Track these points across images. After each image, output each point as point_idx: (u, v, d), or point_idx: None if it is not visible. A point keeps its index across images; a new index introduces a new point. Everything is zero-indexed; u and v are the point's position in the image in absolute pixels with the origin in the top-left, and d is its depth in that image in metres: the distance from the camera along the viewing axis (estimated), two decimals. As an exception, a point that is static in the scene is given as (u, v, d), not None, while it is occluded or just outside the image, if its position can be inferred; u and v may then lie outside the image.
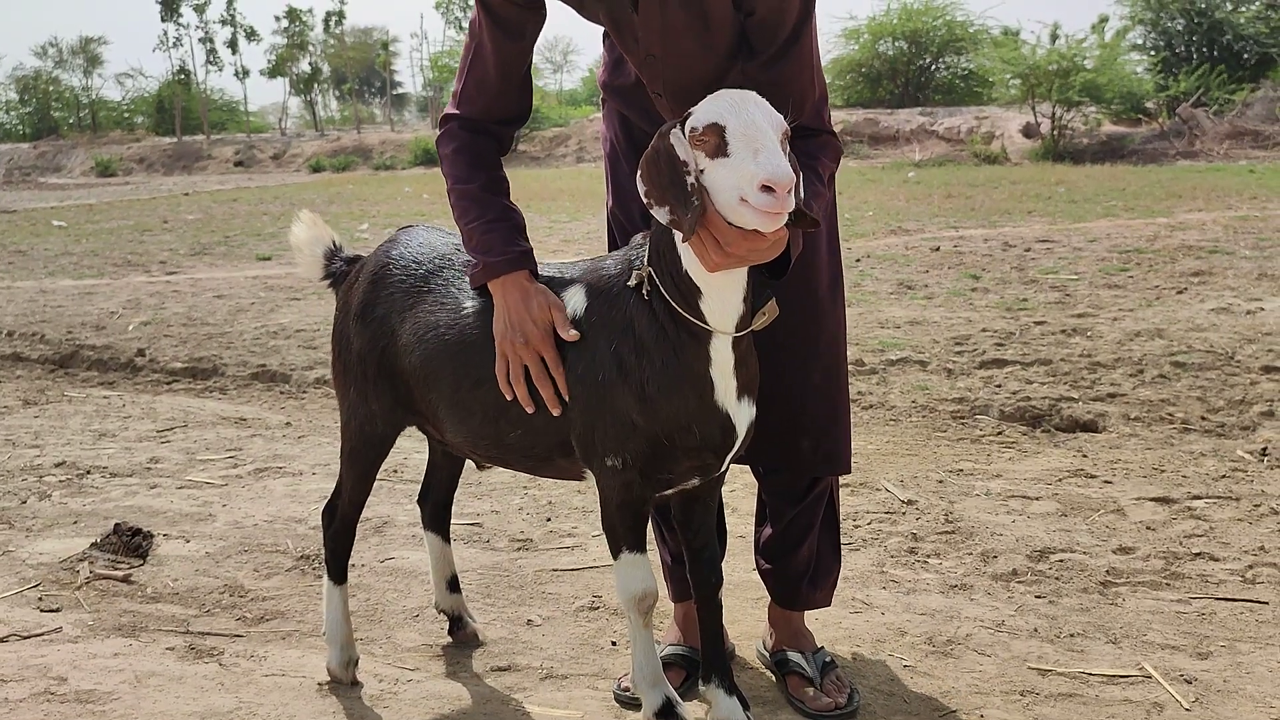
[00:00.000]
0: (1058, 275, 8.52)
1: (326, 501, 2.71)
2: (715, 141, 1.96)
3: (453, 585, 2.87)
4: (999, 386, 5.39)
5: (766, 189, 1.87)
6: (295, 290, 9.63)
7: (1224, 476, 3.83)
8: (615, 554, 2.27)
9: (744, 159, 1.92)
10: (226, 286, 9.88)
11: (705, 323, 2.10)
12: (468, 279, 2.36)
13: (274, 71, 52.97)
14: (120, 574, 3.36)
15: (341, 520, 2.66)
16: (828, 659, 2.56)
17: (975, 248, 10.08)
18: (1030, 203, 14.38)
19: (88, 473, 4.43)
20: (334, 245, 2.71)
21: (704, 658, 2.36)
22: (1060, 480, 3.88)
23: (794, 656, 2.55)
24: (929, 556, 3.30)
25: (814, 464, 2.53)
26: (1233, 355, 5.70)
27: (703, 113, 2.01)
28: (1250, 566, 3.10)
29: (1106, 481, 3.83)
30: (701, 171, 2.01)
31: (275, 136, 43.76)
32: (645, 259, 2.18)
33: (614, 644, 2.83)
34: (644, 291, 2.15)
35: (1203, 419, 4.78)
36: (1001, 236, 10.94)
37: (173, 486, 4.22)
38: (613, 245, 2.67)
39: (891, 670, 2.64)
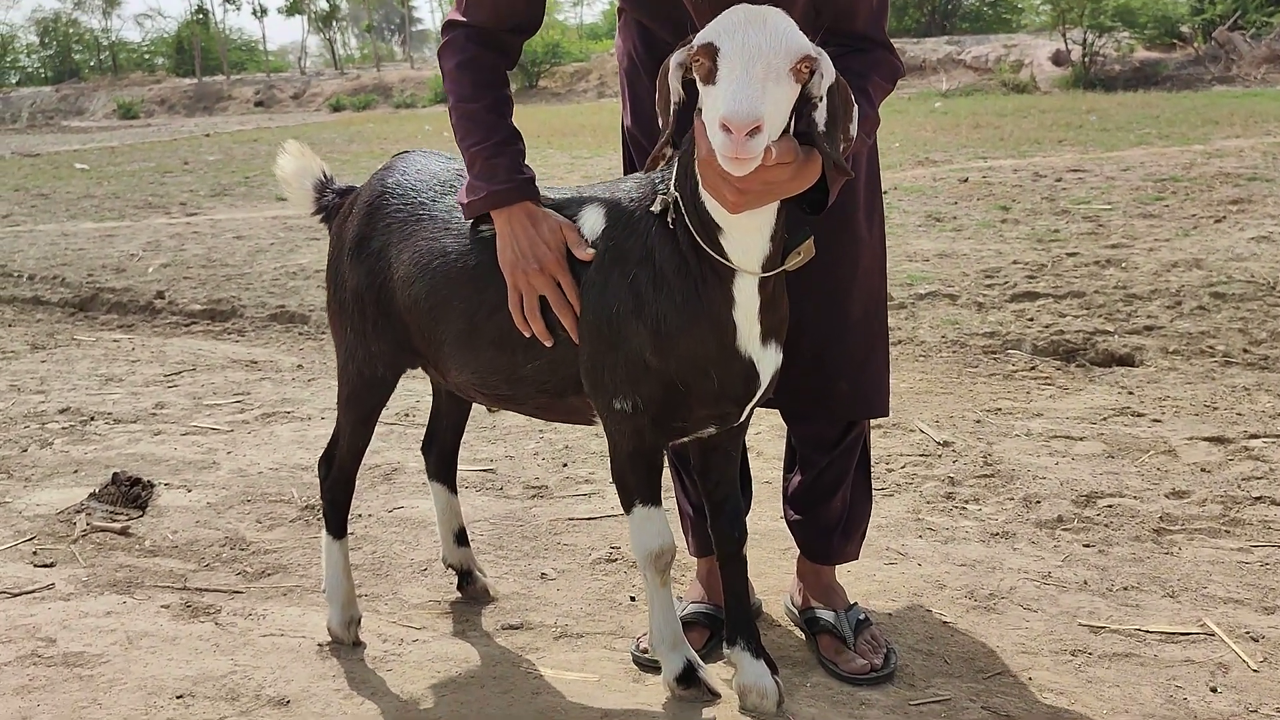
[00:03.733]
0: (1090, 205, 8.23)
1: (324, 451, 2.53)
2: (708, 65, 1.74)
3: (460, 538, 2.70)
4: (1031, 320, 5.17)
5: (725, 128, 1.64)
6: (314, 230, 9.43)
7: (1279, 415, 3.60)
8: (627, 508, 2.09)
9: (720, 90, 1.70)
10: (246, 227, 9.73)
11: (728, 260, 1.89)
12: (463, 209, 2.15)
13: (291, 9, 52.32)
14: (118, 526, 3.21)
15: (339, 470, 2.49)
16: (861, 616, 2.38)
17: (1004, 178, 9.74)
18: (1060, 131, 13.98)
19: (91, 419, 4.29)
20: (324, 176, 2.50)
21: (728, 618, 2.18)
22: (1106, 419, 3.66)
23: (825, 615, 2.37)
24: (967, 502, 3.10)
25: (850, 408, 2.33)
26: (1274, 285, 5.46)
27: (705, 30, 1.78)
28: (1316, 512, 2.89)
29: (1155, 420, 3.61)
30: (700, 96, 1.80)
31: (295, 76, 43.34)
32: (673, 182, 1.96)
33: (633, 599, 2.66)
34: (668, 219, 1.94)
35: (1244, 351, 4.58)
36: (1031, 166, 10.59)
37: (177, 433, 4.07)
38: (629, 167, 2.45)
39: (930, 627, 2.46)
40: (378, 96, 34.61)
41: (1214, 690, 2.17)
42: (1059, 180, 9.64)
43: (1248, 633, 2.35)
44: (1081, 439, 3.47)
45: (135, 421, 4.24)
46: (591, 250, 2.01)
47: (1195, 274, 5.77)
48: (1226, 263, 5.97)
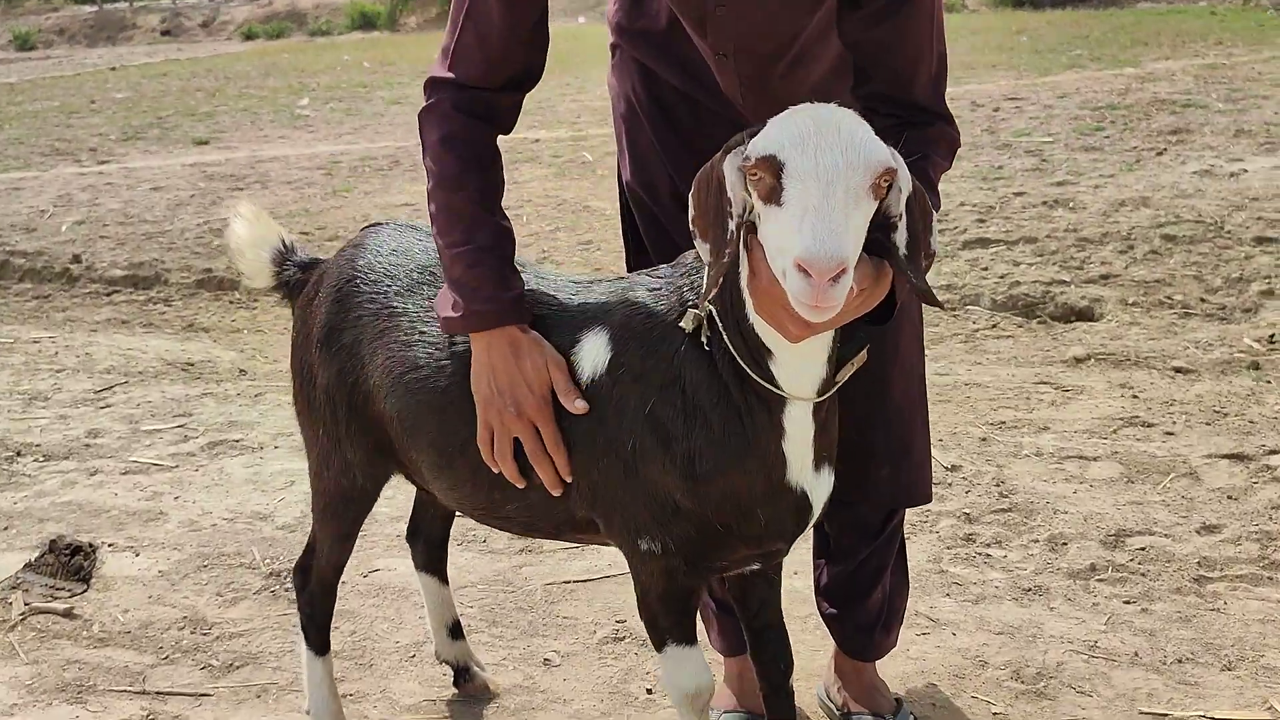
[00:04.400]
0: (1031, 138, 8.16)
1: (299, 560, 2.24)
2: (769, 182, 1.45)
3: (455, 631, 2.44)
4: (986, 270, 5.06)
5: (802, 270, 1.36)
6: (237, 179, 8.99)
7: (1296, 420, 3.46)
8: (659, 647, 1.83)
9: (790, 218, 1.41)
10: (163, 176, 9.21)
11: (777, 387, 1.62)
12: (440, 323, 1.84)
13: (193, -71, 49.78)
14: (61, 607, 2.89)
15: (319, 583, 2.20)
16: (911, 717, 2.18)
17: (948, 112, 9.56)
18: (993, 55, 13.86)
19: (17, 454, 3.90)
20: (284, 245, 2.17)
21: (776, 749, 1.96)
22: (1116, 432, 3.48)
23: (871, 721, 2.17)
24: (989, 546, 2.90)
25: (893, 494, 2.10)
26: (1222, 225, 5.46)
27: (764, 136, 1.48)
28: (1357, 551, 2.75)
29: (1168, 433, 3.44)
30: (757, 216, 1.50)
31: (203, 2, 41.42)
32: (705, 291, 1.67)
33: (649, 692, 2.43)
34: (703, 337, 1.65)
35: (1202, 300, 4.53)
36: (968, 95, 10.42)
37: (116, 472, 3.72)
38: (629, 227, 2.16)
39: (980, 720, 2.27)
40: (291, 24, 33.19)
41: (1297, 797, 2.01)
42: (997, 110, 9.52)
43: (1320, 717, 2.20)
44: (1095, 459, 3.29)
45: (67, 457, 3.87)
46: (584, 404, 1.71)
47: (1144, 213, 5.77)
48: (1173, 200, 5.96)
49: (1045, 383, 3.90)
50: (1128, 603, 2.62)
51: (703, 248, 1.58)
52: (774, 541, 1.72)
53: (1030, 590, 2.69)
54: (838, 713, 2.26)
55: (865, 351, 1.70)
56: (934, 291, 1.55)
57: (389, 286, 1.93)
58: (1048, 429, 3.53)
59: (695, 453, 1.64)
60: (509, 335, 1.76)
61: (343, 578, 2.94)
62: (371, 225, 2.10)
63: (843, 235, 1.37)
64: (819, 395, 1.64)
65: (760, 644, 1.92)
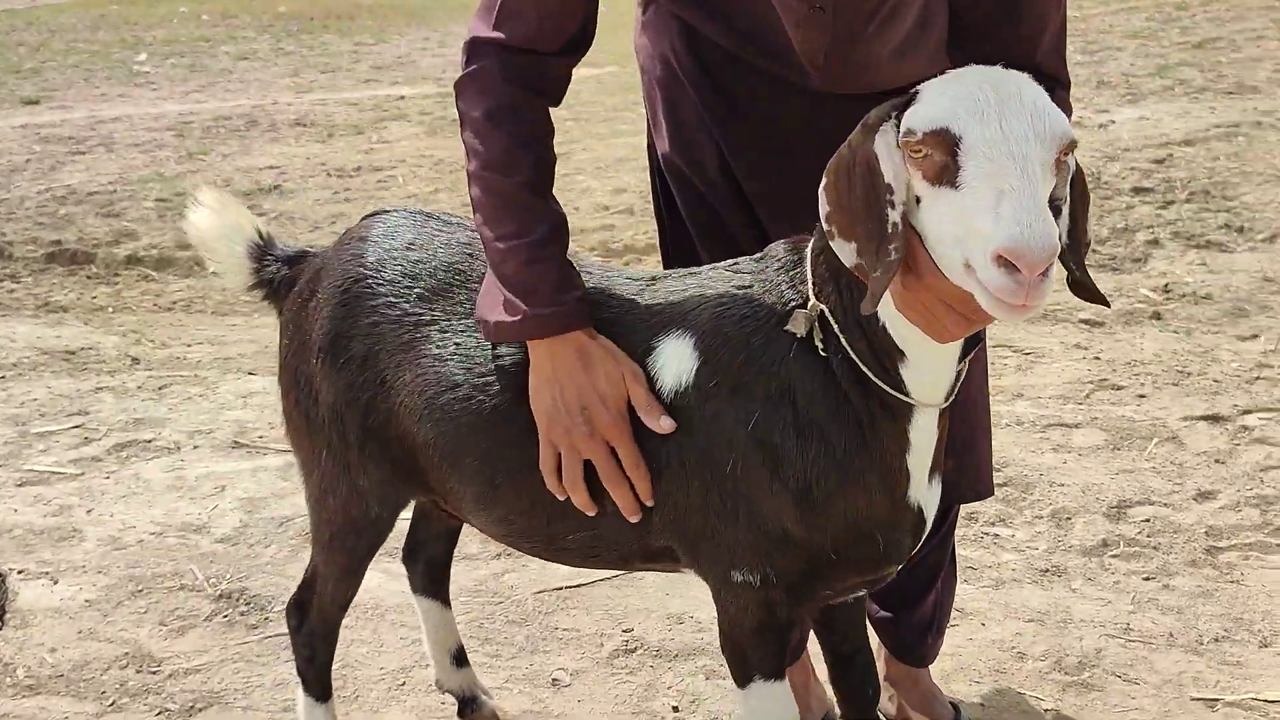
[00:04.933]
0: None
1: (293, 597, 1.95)
2: (941, 160, 1.25)
3: (459, 658, 2.20)
4: None
5: (1004, 263, 1.17)
6: (78, 141, 8.27)
7: (1257, 379, 3.46)
8: (742, 683, 1.63)
9: (978, 201, 1.21)
10: (-7, 138, 8.43)
11: (906, 394, 1.43)
12: (482, 327, 1.59)
13: None
14: (-25, 651, 2.52)
15: (322, 622, 1.92)
16: (972, 725, 2.06)
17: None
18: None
19: (-115, 469, 3.44)
20: (261, 238, 1.86)
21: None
22: (1089, 396, 3.43)
23: (934, 732, 2.03)
24: (995, 525, 2.80)
25: (957, 489, 1.94)
26: (1100, 176, 5.56)
27: (926, 106, 1.27)
28: (1354, 511, 2.75)
29: (1140, 395, 3.41)
30: (919, 200, 1.30)
31: (11, -54, 38.46)
32: (813, 288, 1.47)
33: (676, 709, 2.25)
34: (817, 342, 1.45)
35: (1094, 251, 4.54)
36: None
37: (10, 483, 3.30)
38: (667, 207, 1.93)
39: (1036, 717, 2.16)
40: (116, -29, 31.13)
41: (1370, 781, 1.96)
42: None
43: (1369, 692, 2.17)
44: (1077, 426, 3.23)
45: (-49, 469, 3.42)
46: (670, 421, 1.49)
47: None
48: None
49: (1003, 345, 3.83)
50: (1147, 579, 2.55)
51: (845, 248, 1.36)
52: (889, 566, 1.55)
53: (1048, 571, 2.60)
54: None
55: (978, 348, 1.53)
56: (1095, 284, 1.38)
57: (410, 289, 1.66)
58: (1021, 396, 3.46)
59: (812, 475, 1.44)
60: (576, 342, 1.52)
61: (303, 596, 2.68)
62: (376, 213, 1.81)
63: (1049, 220, 1.17)
64: (946, 400, 1.47)
65: (847, 670, 1.75)
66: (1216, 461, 3.00)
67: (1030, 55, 1.53)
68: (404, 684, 2.37)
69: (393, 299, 1.66)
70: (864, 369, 1.43)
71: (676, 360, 1.52)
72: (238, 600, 2.67)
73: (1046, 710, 2.18)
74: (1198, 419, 3.22)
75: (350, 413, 1.69)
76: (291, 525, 2.99)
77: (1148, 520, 2.76)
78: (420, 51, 12.31)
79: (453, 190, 6.54)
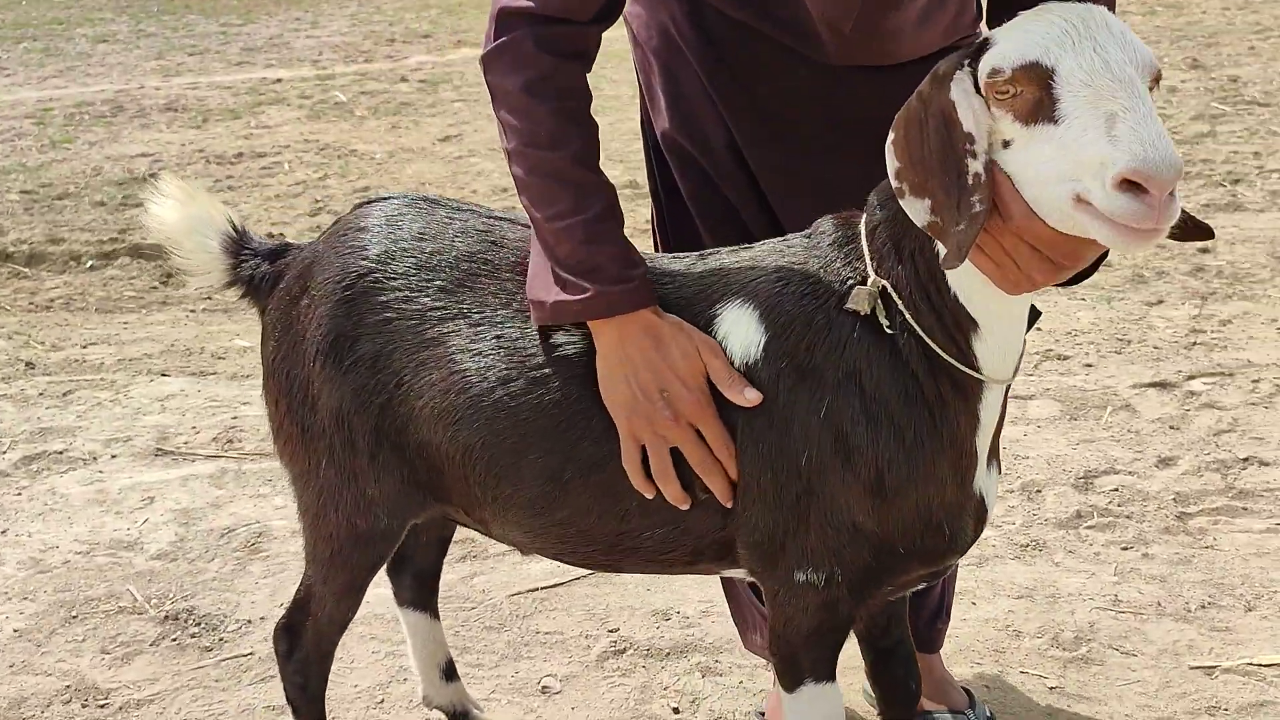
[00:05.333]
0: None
1: (282, 620, 1.79)
2: (1035, 96, 1.20)
3: (449, 673, 2.07)
4: None
5: (1130, 185, 1.11)
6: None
7: (1194, 344, 3.53)
8: (791, 687, 1.55)
9: (1088, 129, 1.15)
10: None
11: (977, 370, 1.37)
12: (537, 309, 1.47)
13: None
14: (-107, 694, 2.29)
15: (317, 646, 1.77)
16: (988, 713, 2.01)
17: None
18: None
19: None
20: (235, 229, 1.69)
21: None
22: (1038, 367, 3.44)
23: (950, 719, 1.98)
24: (967, 501, 2.78)
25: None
26: None
27: (1013, 44, 1.21)
28: (1308, 471, 2.81)
29: (1087, 365, 3.44)
30: (1007, 144, 1.23)
31: None
32: (872, 264, 1.39)
33: (676, 711, 2.16)
34: (881, 320, 1.37)
35: None
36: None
37: (-91, 504, 3.02)
38: (665, 189, 1.83)
39: (1040, 697, 2.14)
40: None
41: (1374, 740, 1.99)
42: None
43: (1355, 651, 2.20)
44: (1031, 397, 3.24)
45: None
46: (756, 393, 1.40)
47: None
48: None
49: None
50: (1126, 549, 2.56)
51: (918, 205, 1.29)
52: (953, 556, 1.48)
53: (1028, 546, 2.59)
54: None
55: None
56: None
57: (428, 282, 1.52)
58: (971, 369, 3.46)
59: (884, 464, 1.37)
60: (644, 321, 1.42)
61: (257, 615, 2.52)
62: (371, 201, 1.66)
63: (1169, 137, 1.12)
64: (1014, 375, 1.41)
65: (889, 663, 1.68)
66: (1171, 428, 3.04)
67: None
68: (383, 701, 2.22)
69: (408, 295, 1.52)
70: (933, 345, 1.35)
71: (742, 330, 1.43)
72: (186, 621, 2.48)
73: (1052, 688, 2.16)
74: (1146, 386, 3.26)
75: (359, 418, 1.54)
76: (234, 536, 2.80)
77: (1116, 490, 2.78)
78: (293, 32, 11.84)
79: (342, 175, 6.30)
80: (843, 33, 1.60)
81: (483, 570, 2.62)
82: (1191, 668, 2.19)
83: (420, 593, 2.01)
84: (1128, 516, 2.67)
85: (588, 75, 1.52)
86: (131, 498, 3.00)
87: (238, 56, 10.17)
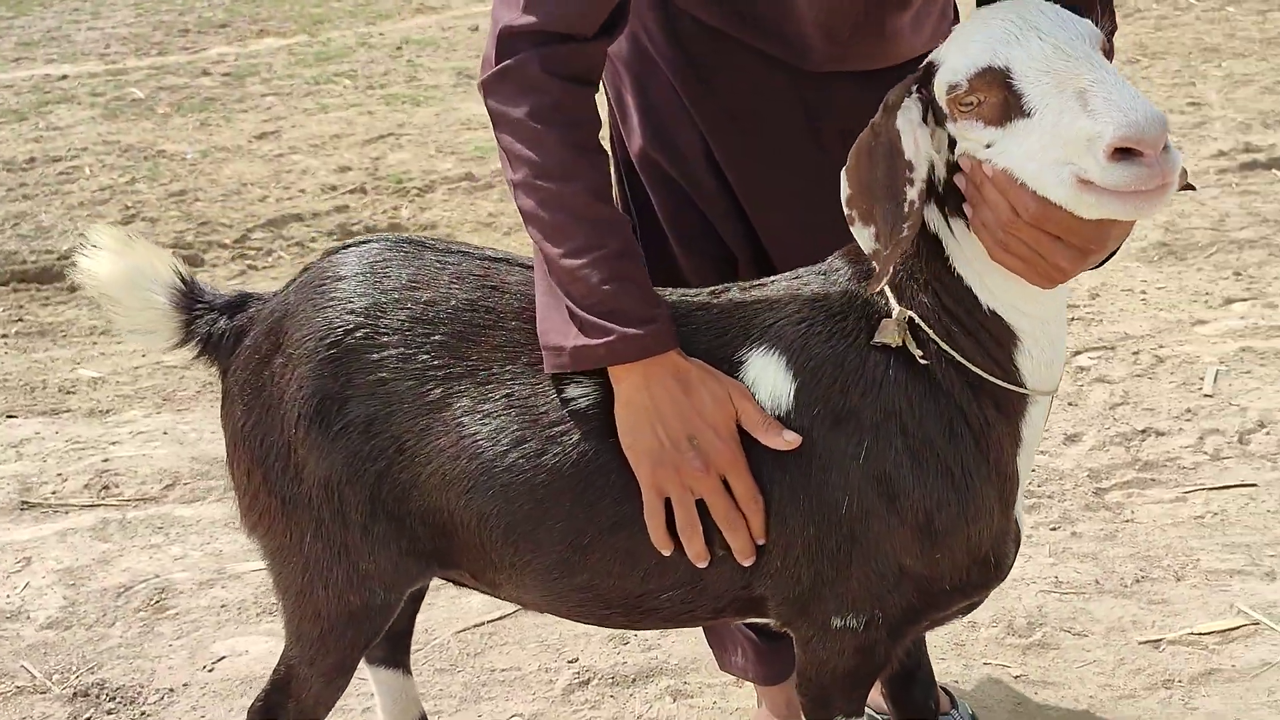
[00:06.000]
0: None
1: (257, 702, 1.63)
2: (999, 97, 1.20)
3: (423, 729, 1.95)
4: None
5: (1123, 153, 1.11)
6: None
7: (1073, 319, 3.68)
8: None
9: (1064, 112, 1.15)
10: None
11: (1022, 384, 1.35)
12: (552, 355, 1.38)
13: None
14: None
15: (299, 731, 1.62)
16: (970, 712, 2.04)
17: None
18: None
19: None
20: (183, 281, 1.52)
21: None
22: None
23: (940, 722, 1.99)
24: (895, 492, 2.82)
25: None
26: None
27: (958, 59, 1.22)
28: (1200, 438, 2.96)
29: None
30: (989, 146, 1.23)
31: None
32: (895, 295, 1.35)
33: (655, 739, 2.10)
34: (914, 351, 1.34)
35: None
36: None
37: None
38: (641, 208, 1.75)
39: (1008, 687, 2.18)
40: None
41: (1315, 696, 2.11)
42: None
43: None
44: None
45: None
46: (795, 435, 1.35)
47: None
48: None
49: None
50: (1055, 529, 2.64)
51: (864, 233, 1.29)
52: (996, 584, 1.46)
53: (964, 534, 2.64)
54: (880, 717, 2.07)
55: None
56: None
57: (427, 337, 1.40)
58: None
59: (933, 505, 1.34)
60: (671, 365, 1.34)
61: (182, 679, 2.34)
62: (346, 246, 1.51)
63: (1143, 96, 1.12)
64: (1058, 384, 1.40)
65: (909, 686, 1.68)
66: (1070, 404, 3.16)
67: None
68: (340, 765, 2.08)
69: (405, 350, 1.39)
70: (974, 369, 1.33)
71: (770, 380, 1.37)
72: (98, 697, 2.26)
73: (1017, 677, 2.20)
74: (1037, 363, 3.38)
75: (352, 488, 1.41)
76: (133, 595, 2.57)
77: (1034, 470, 2.86)
78: (72, 24, 11.00)
79: (152, 179, 5.89)
80: (839, 38, 1.56)
81: (425, 612, 2.48)
82: (1140, 643, 2.27)
83: (394, 650, 1.87)
84: (1050, 496, 2.76)
85: (594, 92, 1.43)
86: (4, 560, 2.72)
87: (14, 52, 9.39)
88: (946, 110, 1.26)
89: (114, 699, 2.26)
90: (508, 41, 1.36)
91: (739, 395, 1.36)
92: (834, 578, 1.37)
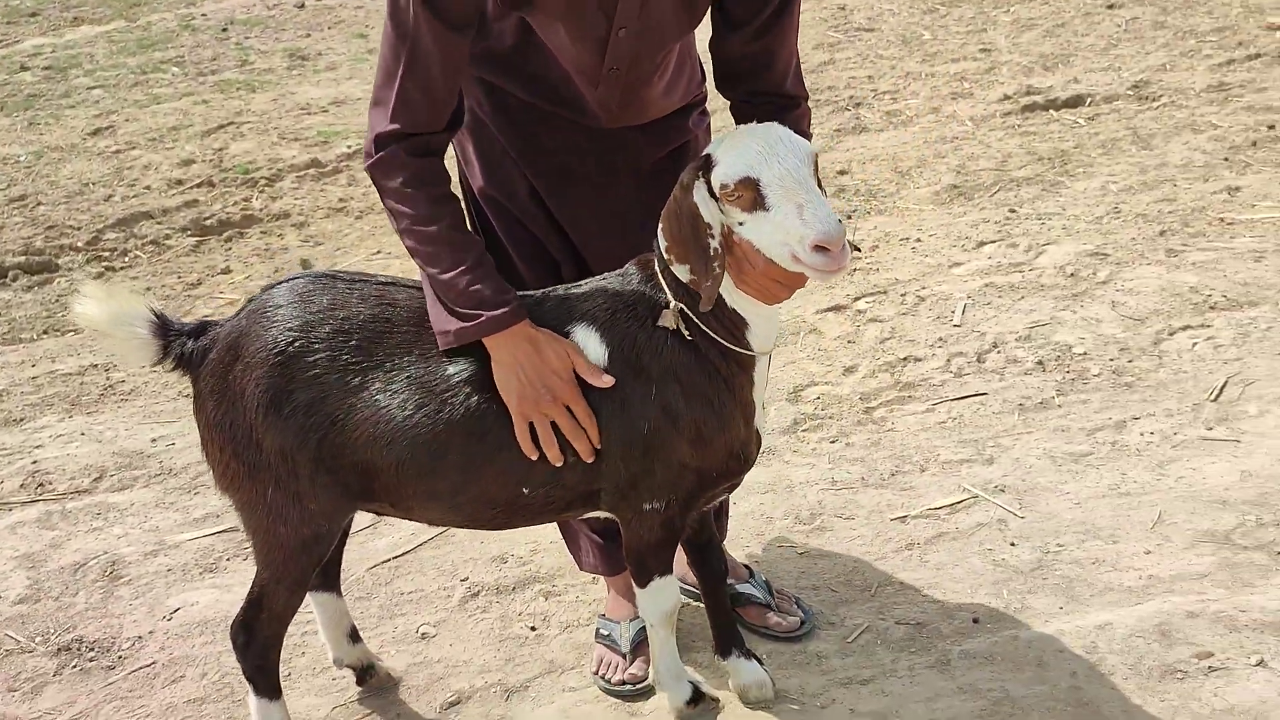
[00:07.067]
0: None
1: (238, 618, 2.22)
2: (752, 196, 1.89)
3: (354, 636, 2.54)
4: None
5: (819, 249, 1.82)
6: None
7: (854, 270, 4.42)
8: (643, 583, 2.21)
9: (788, 216, 1.85)
10: None
11: (752, 349, 2.04)
12: (443, 337, 2.00)
13: None
14: None
15: (274, 630, 2.22)
16: (764, 578, 2.73)
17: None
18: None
19: None
20: (156, 316, 2.08)
21: (721, 635, 2.41)
22: (740, 306, 4.22)
23: (743, 588, 2.68)
24: (711, 425, 3.51)
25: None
26: None
27: (731, 164, 1.89)
28: (948, 360, 3.73)
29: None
30: (741, 224, 1.92)
31: None
32: (670, 293, 2.01)
33: (533, 629, 2.74)
34: (684, 332, 2.01)
35: None
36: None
37: None
38: (484, 227, 2.37)
39: (794, 562, 2.88)
40: None
41: (1012, 544, 2.88)
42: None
43: (995, 486, 3.10)
44: (742, 333, 4.01)
45: None
46: (610, 378, 2.01)
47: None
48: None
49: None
50: (833, 442, 3.37)
51: (682, 269, 1.95)
52: (746, 472, 2.16)
53: (765, 452, 3.31)
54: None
55: None
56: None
57: (346, 342, 2.00)
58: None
59: (700, 423, 2.01)
60: (524, 333, 1.98)
61: (148, 628, 2.86)
62: (281, 282, 2.09)
63: (834, 212, 1.82)
64: (775, 346, 2.08)
65: (705, 554, 2.35)
66: (849, 342, 3.90)
67: (780, 87, 2.15)
68: (288, 676, 2.65)
69: (331, 353, 1.99)
70: (722, 341, 2.00)
71: (591, 346, 2.03)
72: (79, 650, 2.78)
73: (801, 553, 2.92)
74: (826, 310, 4.11)
75: (301, 453, 2.00)
76: (88, 570, 3.07)
77: (818, 398, 3.59)
78: None
79: None
80: (611, 110, 2.20)
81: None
82: (891, 519, 3.01)
83: (327, 577, 2.46)
84: (830, 417, 3.49)
85: (443, 165, 2.05)
86: (-25, 542, 3.17)
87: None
88: (718, 196, 1.92)
89: (93, 650, 2.78)
90: (381, 141, 1.97)
91: (574, 351, 2.02)
92: (642, 474, 2.04)
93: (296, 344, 2.00)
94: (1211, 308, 3.85)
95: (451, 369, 2.02)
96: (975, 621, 2.61)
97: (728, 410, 2.05)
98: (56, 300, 4.82)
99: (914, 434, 3.38)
